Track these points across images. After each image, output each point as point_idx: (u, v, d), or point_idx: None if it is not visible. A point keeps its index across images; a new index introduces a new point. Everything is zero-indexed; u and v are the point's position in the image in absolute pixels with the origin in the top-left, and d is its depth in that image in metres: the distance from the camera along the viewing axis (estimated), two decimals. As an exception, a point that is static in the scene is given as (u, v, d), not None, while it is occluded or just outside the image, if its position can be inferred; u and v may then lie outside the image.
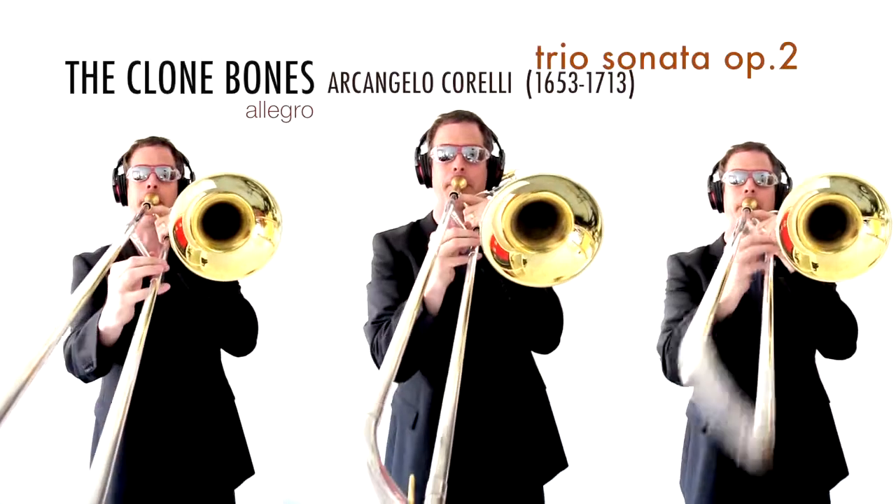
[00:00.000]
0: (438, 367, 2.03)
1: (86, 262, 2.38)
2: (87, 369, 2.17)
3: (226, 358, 2.45)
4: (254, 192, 2.14)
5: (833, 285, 2.31)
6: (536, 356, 2.31)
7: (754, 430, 1.91)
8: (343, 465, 3.79)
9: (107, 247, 2.39)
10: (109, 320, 2.10)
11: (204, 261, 2.11)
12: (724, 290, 2.06)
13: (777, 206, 2.31)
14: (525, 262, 1.97)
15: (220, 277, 2.15)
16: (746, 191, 2.32)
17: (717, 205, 2.42)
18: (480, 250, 1.98)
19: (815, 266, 2.07)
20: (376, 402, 1.52)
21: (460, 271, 2.05)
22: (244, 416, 2.50)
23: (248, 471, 2.46)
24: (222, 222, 2.14)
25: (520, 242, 1.97)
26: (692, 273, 2.38)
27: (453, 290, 2.05)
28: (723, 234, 2.44)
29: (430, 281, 2.04)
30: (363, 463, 1.50)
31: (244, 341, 2.36)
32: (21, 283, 3.75)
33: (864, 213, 2.04)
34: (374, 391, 1.54)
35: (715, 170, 2.44)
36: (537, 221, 1.98)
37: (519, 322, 2.16)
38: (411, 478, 1.58)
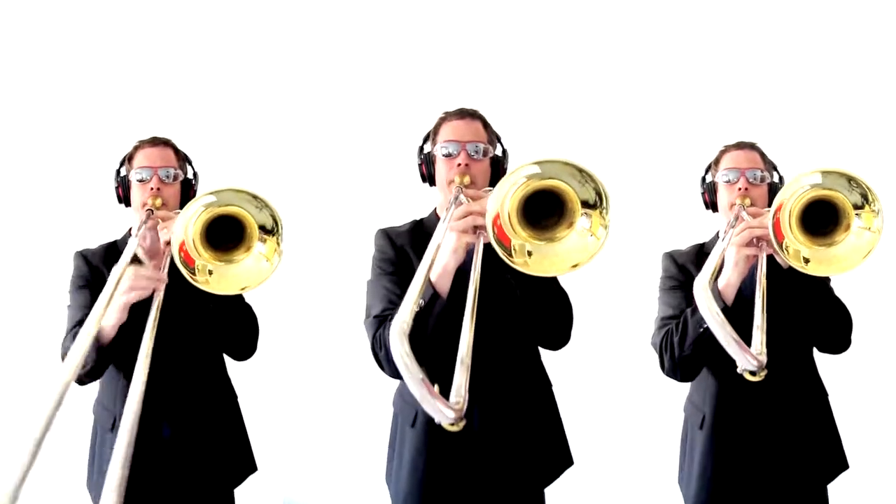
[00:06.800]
0: (439, 364, 2.02)
1: (85, 259, 2.38)
2: (83, 370, 2.17)
3: (228, 358, 2.46)
4: (263, 210, 2.13)
5: (827, 281, 2.34)
6: (543, 354, 2.31)
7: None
8: (343, 465, 3.81)
9: (108, 244, 2.41)
10: (107, 319, 2.12)
11: (210, 272, 2.11)
12: (723, 270, 2.18)
13: (770, 204, 2.33)
14: (530, 253, 1.96)
15: (220, 290, 2.14)
16: (740, 189, 2.34)
17: (711, 205, 2.44)
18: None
19: (805, 261, 2.10)
20: (407, 315, 1.78)
21: (465, 267, 2.04)
22: (246, 414, 2.50)
23: (250, 468, 2.47)
24: (225, 235, 2.14)
25: (525, 231, 1.96)
26: (686, 271, 2.40)
27: (461, 281, 2.04)
28: (717, 233, 2.46)
29: (440, 259, 2.02)
30: (399, 362, 1.70)
31: (245, 346, 2.37)
32: (20, 285, 3.75)
33: (856, 207, 2.06)
34: (404, 308, 1.80)
35: (707, 170, 2.46)
36: (544, 211, 1.96)
37: (529, 318, 2.16)
38: (435, 385, 1.71)
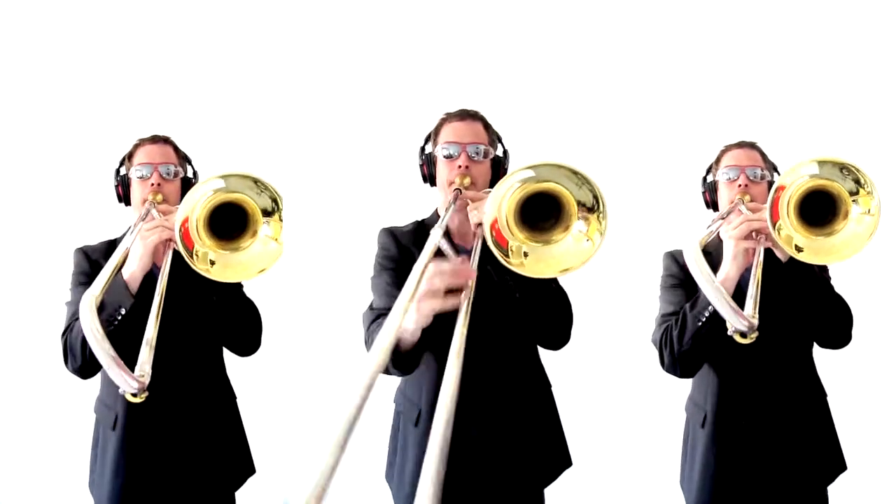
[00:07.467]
0: (443, 364, 2.02)
1: (86, 255, 2.38)
2: (116, 319, 2.19)
3: (228, 358, 2.45)
4: (263, 193, 2.14)
5: (827, 277, 2.35)
6: (542, 355, 2.31)
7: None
8: (343, 465, 3.80)
9: (108, 241, 2.42)
10: (132, 266, 2.22)
11: (212, 262, 2.12)
12: (722, 264, 2.21)
13: None
14: (526, 254, 1.95)
15: (229, 279, 2.16)
16: (740, 185, 2.36)
17: (712, 204, 2.46)
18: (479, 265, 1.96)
19: (798, 249, 2.11)
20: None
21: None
22: (245, 415, 2.50)
23: (249, 470, 2.46)
24: (229, 222, 2.14)
25: (522, 233, 1.95)
26: (687, 270, 2.39)
27: None
28: (717, 234, 2.46)
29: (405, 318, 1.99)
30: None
31: (249, 341, 2.36)
32: (20, 284, 3.75)
33: (851, 194, 2.08)
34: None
35: (708, 170, 2.48)
36: (540, 214, 1.96)
37: (528, 319, 2.16)
38: None
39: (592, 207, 1.92)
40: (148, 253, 2.22)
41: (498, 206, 1.92)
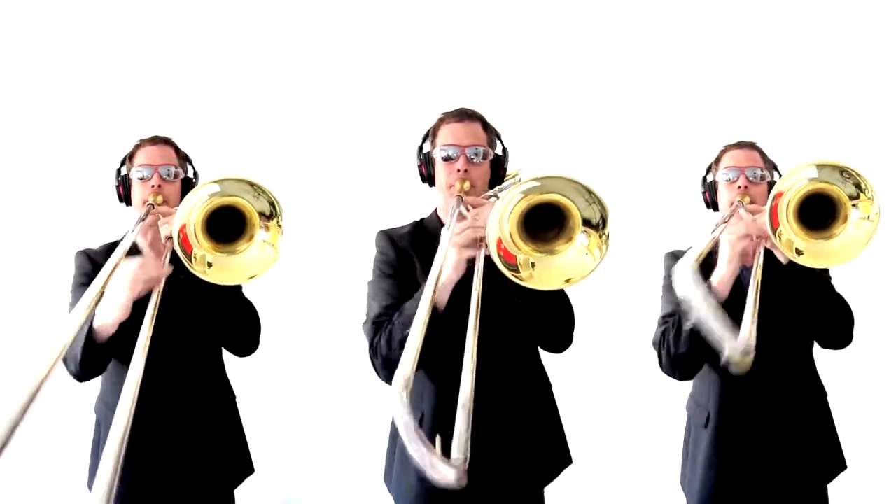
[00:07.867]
0: (442, 367, 2.02)
1: (89, 258, 2.38)
2: (73, 366, 2.18)
3: (227, 357, 2.46)
4: (260, 197, 2.13)
5: (828, 277, 2.35)
6: (543, 355, 2.31)
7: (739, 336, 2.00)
8: (342, 465, 3.81)
9: (109, 244, 2.42)
10: (107, 316, 2.13)
11: (209, 264, 2.11)
12: (717, 267, 2.20)
13: None
14: (533, 265, 1.96)
15: (224, 281, 2.14)
16: (739, 187, 2.36)
17: (712, 204, 2.46)
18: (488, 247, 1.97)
19: (798, 252, 2.11)
20: (408, 369, 1.76)
21: (467, 273, 2.04)
22: (244, 415, 2.50)
23: (248, 470, 2.47)
24: (226, 225, 2.14)
25: (527, 245, 1.96)
26: None
27: (458, 289, 2.04)
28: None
29: (442, 273, 2.02)
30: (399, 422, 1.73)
31: (247, 341, 2.36)
32: (21, 285, 3.75)
33: (851, 198, 2.08)
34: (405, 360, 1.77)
35: (708, 170, 2.48)
36: (544, 223, 1.96)
37: (531, 324, 2.16)
38: (437, 437, 1.68)
39: (597, 226, 1.93)
40: (128, 305, 2.14)
41: (500, 224, 1.92)
